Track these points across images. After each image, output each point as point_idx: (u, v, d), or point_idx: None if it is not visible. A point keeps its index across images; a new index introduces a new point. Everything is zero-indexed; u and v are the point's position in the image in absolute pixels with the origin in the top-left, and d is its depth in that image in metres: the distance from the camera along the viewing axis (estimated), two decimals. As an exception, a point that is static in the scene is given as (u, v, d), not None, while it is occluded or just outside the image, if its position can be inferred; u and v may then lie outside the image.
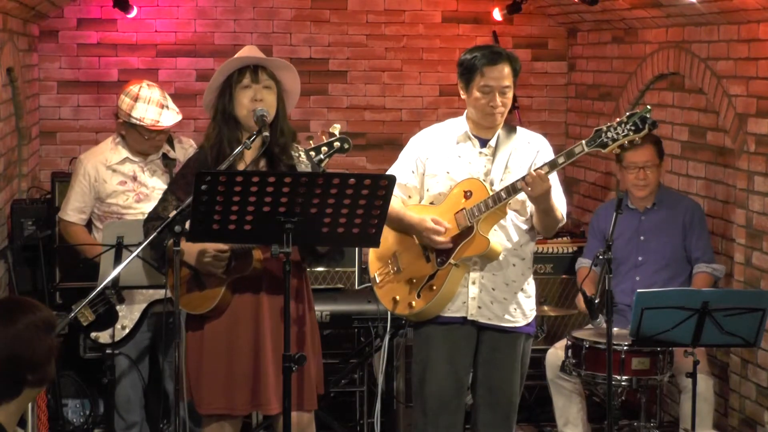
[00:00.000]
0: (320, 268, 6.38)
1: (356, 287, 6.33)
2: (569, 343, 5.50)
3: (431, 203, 4.76)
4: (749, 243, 5.71)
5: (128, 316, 5.68)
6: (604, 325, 4.96)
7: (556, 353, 5.79)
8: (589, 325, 5.70)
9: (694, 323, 4.85)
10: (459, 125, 4.79)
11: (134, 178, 5.76)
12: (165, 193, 4.64)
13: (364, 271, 6.08)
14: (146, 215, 4.70)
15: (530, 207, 4.71)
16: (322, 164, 5.01)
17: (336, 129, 4.75)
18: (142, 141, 5.73)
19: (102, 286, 4.45)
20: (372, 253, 4.92)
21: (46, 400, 5.87)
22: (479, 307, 4.70)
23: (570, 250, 6.64)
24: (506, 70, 4.65)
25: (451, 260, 4.63)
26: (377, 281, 4.87)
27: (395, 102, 7.85)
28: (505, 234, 4.70)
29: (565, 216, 4.74)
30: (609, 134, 4.44)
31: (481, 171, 4.70)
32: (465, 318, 4.71)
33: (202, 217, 4.04)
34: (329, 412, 6.12)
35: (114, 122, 7.47)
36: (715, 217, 6.17)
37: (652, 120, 4.40)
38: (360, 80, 7.81)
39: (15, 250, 6.18)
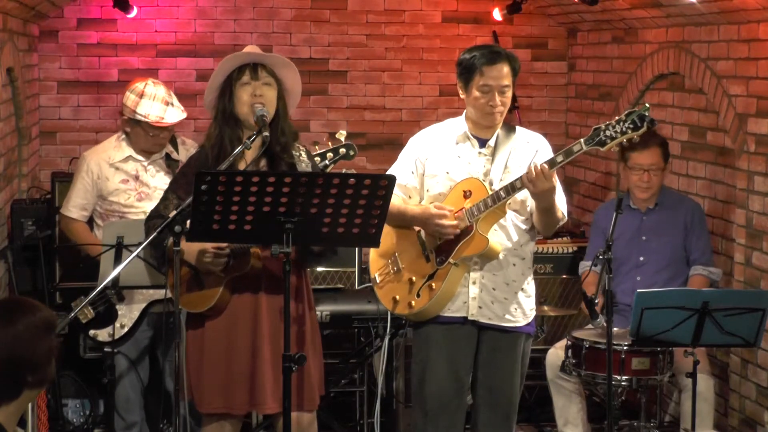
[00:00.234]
0: (320, 268, 6.38)
1: (356, 287, 6.33)
2: (569, 343, 5.50)
3: (431, 203, 4.76)
4: (749, 243, 5.71)
5: (127, 315, 5.68)
6: (605, 325, 4.96)
7: (556, 353, 5.79)
8: (589, 325, 5.70)
9: (694, 323, 4.85)
10: (458, 125, 4.79)
11: (136, 177, 5.76)
12: (166, 192, 4.65)
13: (364, 271, 6.08)
14: (147, 214, 4.70)
15: (530, 206, 4.71)
16: (327, 170, 5.01)
17: (342, 135, 4.76)
18: (146, 138, 5.73)
19: (102, 285, 4.46)
20: (372, 253, 4.92)
21: (46, 400, 5.87)
22: (480, 307, 4.69)
23: (570, 250, 6.64)
24: (505, 69, 4.65)
25: (451, 259, 4.63)
26: (377, 281, 4.87)
27: (395, 102, 7.85)
28: (505, 233, 4.70)
29: (566, 215, 4.74)
30: (607, 132, 4.43)
31: (481, 171, 4.70)
32: (465, 318, 4.71)
33: (202, 217, 4.04)
34: (329, 412, 6.12)
35: (114, 122, 7.53)
36: (715, 217, 6.17)
37: (651, 118, 4.39)
38: (360, 80, 7.81)
39: (15, 250, 6.18)
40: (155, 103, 5.67)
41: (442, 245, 4.67)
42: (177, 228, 4.11)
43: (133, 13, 7.33)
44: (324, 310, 6.01)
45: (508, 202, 4.60)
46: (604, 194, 7.33)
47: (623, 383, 5.29)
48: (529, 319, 4.79)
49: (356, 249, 6.17)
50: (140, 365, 5.86)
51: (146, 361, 5.89)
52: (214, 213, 4.03)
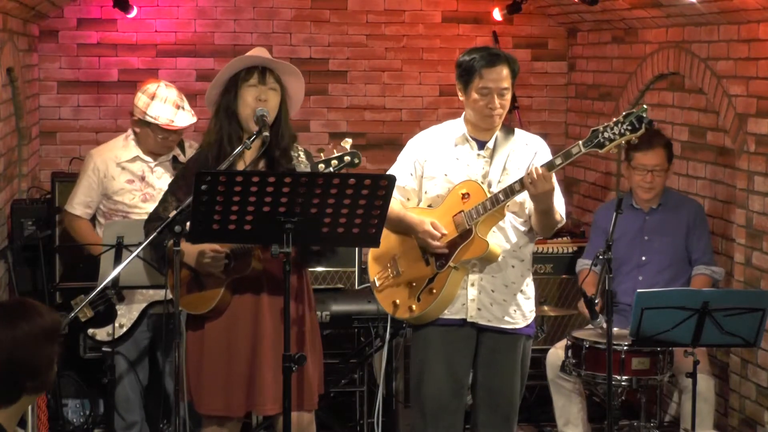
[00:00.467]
0: (320, 268, 6.38)
1: (356, 287, 6.33)
2: (569, 343, 5.50)
3: (429, 206, 4.75)
4: (749, 243, 5.71)
5: (126, 315, 5.69)
6: (604, 325, 4.96)
7: (556, 353, 5.79)
8: (589, 325, 5.70)
9: (694, 323, 4.85)
10: (457, 127, 4.78)
11: (142, 178, 5.76)
12: (165, 194, 4.65)
13: (364, 271, 6.08)
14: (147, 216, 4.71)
15: (528, 208, 4.70)
16: None
17: (347, 143, 4.76)
18: (155, 140, 5.73)
19: (102, 286, 4.46)
20: (371, 257, 4.92)
21: (46, 400, 5.87)
22: (479, 309, 4.69)
23: (570, 250, 6.64)
24: (505, 71, 4.64)
25: (451, 263, 4.63)
26: (377, 285, 4.87)
27: (395, 102, 7.85)
28: (504, 236, 4.69)
29: (564, 217, 4.73)
30: (605, 134, 4.43)
31: (479, 173, 4.69)
32: (464, 320, 4.71)
33: (202, 217, 4.04)
34: (329, 412, 6.12)
35: (114, 122, 7.53)
36: (715, 217, 6.17)
37: (649, 119, 4.39)
38: (360, 80, 7.80)
39: (15, 250, 6.18)
40: (166, 105, 5.67)
41: (441, 249, 4.68)
42: (177, 228, 4.11)
43: (133, 13, 7.33)
44: (324, 310, 6.01)
45: (507, 204, 4.59)
46: (604, 194, 7.33)
47: (623, 383, 5.29)
48: (529, 321, 4.79)
49: (356, 249, 6.17)
50: (140, 365, 5.86)
51: (146, 362, 5.89)
52: (214, 213, 4.03)
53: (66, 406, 6.34)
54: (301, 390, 4.47)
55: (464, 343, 4.73)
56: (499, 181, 4.65)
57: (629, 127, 4.39)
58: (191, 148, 5.93)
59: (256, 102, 4.46)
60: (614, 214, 5.01)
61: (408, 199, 4.80)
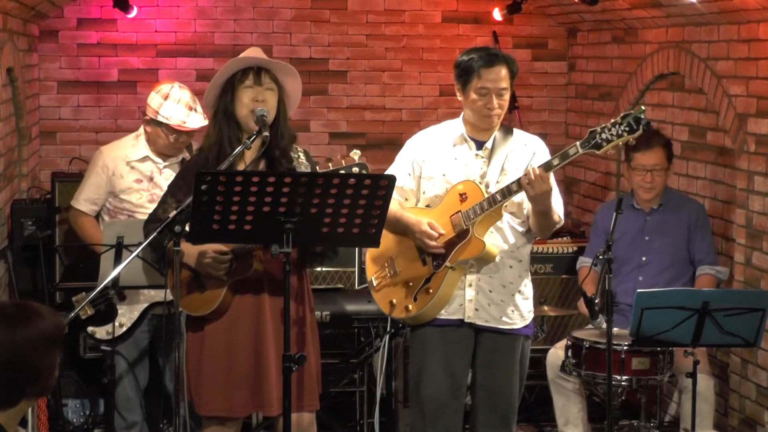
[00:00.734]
0: (320, 268, 6.38)
1: (356, 287, 6.33)
2: (569, 343, 5.50)
3: (427, 206, 4.75)
4: (749, 243, 5.71)
5: (127, 314, 5.69)
6: (604, 325, 4.96)
7: (556, 353, 5.78)
8: (589, 325, 5.70)
9: (694, 323, 4.85)
10: (455, 127, 4.78)
11: (150, 179, 5.76)
12: (164, 195, 4.64)
13: (364, 271, 6.05)
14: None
15: (527, 209, 4.70)
16: None
17: (356, 155, 4.76)
18: (166, 141, 5.73)
19: (102, 286, 4.46)
20: (369, 257, 4.92)
21: (46, 400, 5.87)
22: (476, 310, 4.69)
23: (570, 250, 6.64)
24: (503, 71, 4.64)
25: (447, 263, 4.62)
26: (374, 284, 4.87)
27: (395, 102, 7.85)
28: (502, 236, 4.69)
29: (562, 218, 4.73)
30: (603, 135, 4.42)
31: (477, 173, 4.69)
32: (462, 320, 4.70)
33: (202, 217, 4.04)
34: (329, 412, 6.12)
35: (114, 122, 7.53)
36: (716, 217, 6.17)
37: (647, 120, 4.38)
38: (360, 80, 7.80)
39: (15, 250, 6.18)
40: (179, 106, 5.66)
41: (438, 249, 4.68)
42: (177, 228, 4.11)
43: (133, 13, 7.33)
44: (324, 310, 6.01)
45: (505, 204, 4.59)
46: (604, 194, 7.33)
47: (623, 383, 5.29)
48: (527, 321, 4.79)
49: (356, 249, 6.17)
50: (140, 365, 5.86)
51: (146, 362, 5.89)
52: (214, 213, 4.03)
53: (66, 406, 6.34)
54: (302, 390, 4.47)
55: (462, 343, 4.73)
56: (497, 182, 4.64)
57: (627, 128, 4.38)
58: None
59: (253, 103, 4.46)
60: (614, 214, 5.00)
61: (406, 199, 4.79)
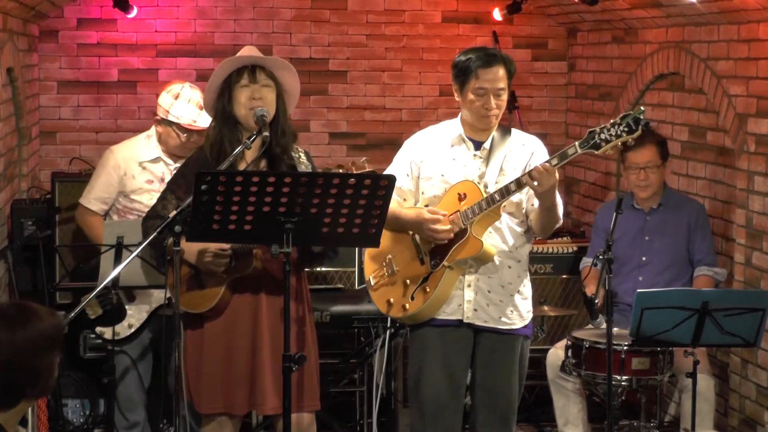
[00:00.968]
0: (320, 268, 6.38)
1: (356, 287, 6.33)
2: (569, 343, 5.50)
3: (426, 206, 4.75)
4: (749, 243, 5.71)
5: (136, 315, 5.68)
6: (604, 325, 4.96)
7: (556, 353, 5.78)
8: (589, 325, 5.70)
9: (694, 323, 4.85)
10: (453, 128, 4.78)
11: (162, 180, 5.74)
12: (164, 192, 4.64)
13: (363, 271, 6.08)
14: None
15: (525, 208, 4.70)
16: None
17: (366, 163, 4.75)
18: (177, 141, 5.71)
19: (102, 286, 4.45)
20: (367, 256, 4.92)
21: (46, 400, 5.87)
22: (475, 310, 4.69)
23: (570, 250, 6.64)
24: (501, 72, 4.63)
25: (445, 262, 4.62)
26: (372, 284, 4.87)
27: (395, 102, 7.85)
28: (500, 236, 4.69)
29: (561, 217, 4.73)
30: (602, 136, 4.42)
31: (476, 173, 4.69)
32: (461, 321, 4.70)
33: (202, 217, 4.04)
34: (329, 412, 6.12)
35: (114, 122, 7.53)
36: (715, 217, 6.17)
37: (646, 120, 4.38)
38: (360, 80, 7.81)
39: (15, 250, 6.18)
40: (189, 105, 5.66)
41: (436, 248, 4.66)
42: (177, 228, 4.11)
43: (133, 13, 7.32)
44: (324, 310, 6.01)
45: (503, 204, 4.59)
46: (604, 194, 7.33)
47: (623, 383, 5.29)
48: (526, 321, 4.79)
49: (356, 249, 6.17)
50: (144, 366, 5.85)
51: (150, 362, 5.88)
52: (214, 213, 4.03)
53: (66, 406, 6.34)
54: (302, 390, 4.47)
55: (461, 343, 4.73)
56: (495, 182, 4.64)
57: (626, 129, 4.38)
58: None
59: (250, 101, 4.46)
60: (614, 214, 5.01)
61: (405, 200, 4.79)
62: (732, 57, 5.79)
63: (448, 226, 4.60)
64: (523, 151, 4.74)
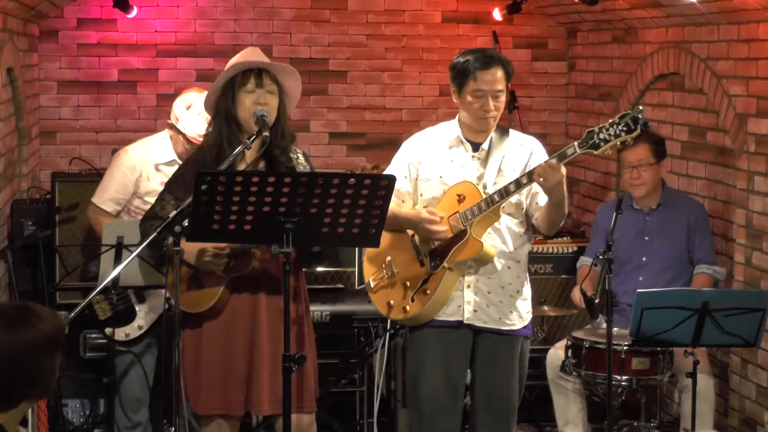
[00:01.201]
0: (320, 268, 6.38)
1: (356, 287, 6.33)
2: (569, 343, 5.50)
3: (425, 207, 4.74)
4: (749, 243, 5.71)
5: (145, 317, 5.68)
6: (604, 325, 4.96)
7: (556, 353, 5.78)
8: (589, 325, 5.69)
9: (694, 323, 4.85)
10: (451, 129, 4.77)
11: None
12: (162, 192, 4.64)
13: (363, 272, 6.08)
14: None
15: (525, 208, 4.70)
16: None
17: (376, 169, 4.76)
18: (183, 148, 5.70)
19: (102, 285, 4.45)
20: (366, 258, 4.91)
21: (46, 400, 5.86)
22: (475, 311, 4.69)
23: (570, 250, 6.64)
24: (499, 73, 4.62)
25: (445, 264, 4.62)
26: (371, 286, 4.86)
27: (395, 102, 7.85)
28: (500, 237, 4.68)
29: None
30: (601, 135, 4.41)
31: (474, 175, 4.68)
32: (460, 322, 4.70)
33: (202, 217, 4.04)
34: (329, 412, 6.12)
35: (114, 122, 7.53)
36: (715, 217, 6.17)
37: (645, 120, 4.37)
38: (360, 80, 7.81)
39: (15, 250, 6.18)
40: (199, 119, 5.61)
41: (436, 249, 4.66)
42: (177, 228, 4.11)
43: (133, 13, 7.33)
44: (324, 310, 6.01)
45: (502, 205, 4.58)
46: (604, 194, 7.33)
47: (623, 383, 5.29)
48: (526, 322, 4.79)
49: (356, 249, 6.16)
50: (148, 366, 5.85)
51: (154, 362, 5.88)
52: (214, 213, 4.03)
53: (66, 406, 6.34)
54: (301, 391, 4.47)
55: (460, 344, 4.72)
56: (494, 183, 4.64)
57: (624, 128, 4.38)
58: None
59: (254, 106, 4.46)
60: (614, 214, 5.01)
61: (403, 201, 4.79)
62: (732, 57, 5.79)
63: (445, 227, 4.60)
64: (522, 152, 4.73)
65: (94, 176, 6.36)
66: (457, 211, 4.60)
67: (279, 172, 4.38)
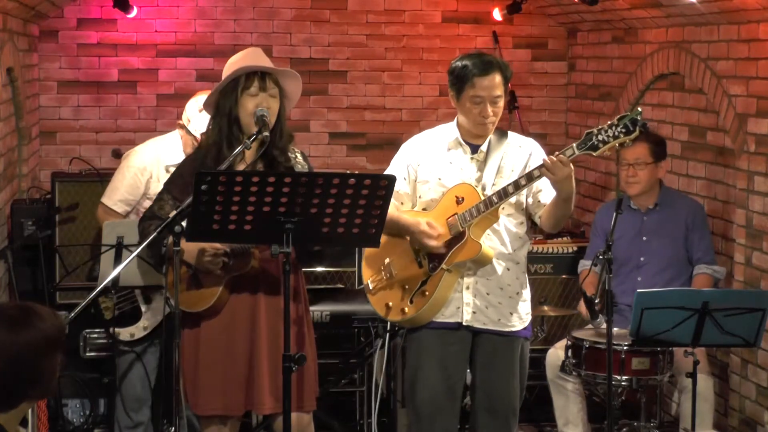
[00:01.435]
0: (320, 268, 6.38)
1: (356, 287, 6.33)
2: (569, 343, 5.50)
3: (424, 209, 4.75)
4: (749, 243, 5.71)
5: (151, 318, 5.68)
6: (604, 325, 4.96)
7: (556, 353, 5.79)
8: (589, 325, 5.70)
9: (694, 323, 4.85)
10: (450, 131, 4.77)
11: None
12: (161, 192, 4.64)
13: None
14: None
15: (526, 206, 4.70)
16: None
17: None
18: (191, 150, 5.70)
19: (102, 286, 4.45)
20: (364, 260, 4.91)
21: (47, 400, 5.87)
22: (474, 312, 4.68)
23: (570, 250, 6.64)
24: (497, 78, 4.61)
25: (444, 265, 4.62)
26: (370, 288, 4.86)
27: (395, 102, 7.85)
28: (499, 238, 4.68)
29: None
30: (600, 137, 4.41)
31: (473, 177, 4.68)
32: (459, 323, 4.69)
33: (202, 217, 4.04)
34: (329, 412, 6.12)
35: (114, 122, 7.53)
36: (715, 217, 6.17)
37: (643, 121, 4.37)
38: (360, 80, 7.81)
39: (15, 250, 6.18)
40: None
41: (434, 251, 4.68)
42: (177, 228, 4.11)
43: (133, 13, 7.33)
44: (324, 310, 6.01)
45: (501, 207, 4.58)
46: (604, 194, 7.33)
47: (623, 383, 5.29)
48: (525, 323, 4.78)
49: (356, 249, 6.16)
50: (151, 366, 5.85)
51: (157, 362, 5.88)
52: (214, 213, 4.03)
53: (66, 406, 6.34)
54: (301, 391, 4.47)
55: (459, 345, 4.72)
56: (493, 184, 4.64)
57: (623, 130, 4.38)
58: None
59: (257, 108, 4.46)
60: (614, 214, 5.01)
61: (402, 203, 4.78)
62: (732, 57, 5.79)
63: (440, 244, 4.60)
64: (521, 153, 4.73)
65: (94, 176, 6.36)
66: (456, 213, 4.60)
67: (279, 172, 4.38)
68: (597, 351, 5.32)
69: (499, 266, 4.68)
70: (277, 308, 4.38)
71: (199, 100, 5.69)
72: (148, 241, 4.24)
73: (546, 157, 4.45)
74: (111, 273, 4.73)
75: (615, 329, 5.06)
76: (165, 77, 7.53)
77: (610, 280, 4.85)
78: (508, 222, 4.69)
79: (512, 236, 4.70)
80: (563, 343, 5.64)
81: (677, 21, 6.27)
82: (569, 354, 5.47)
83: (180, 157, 5.71)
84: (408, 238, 4.72)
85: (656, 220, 6.01)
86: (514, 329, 4.73)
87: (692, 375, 4.97)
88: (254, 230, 4.08)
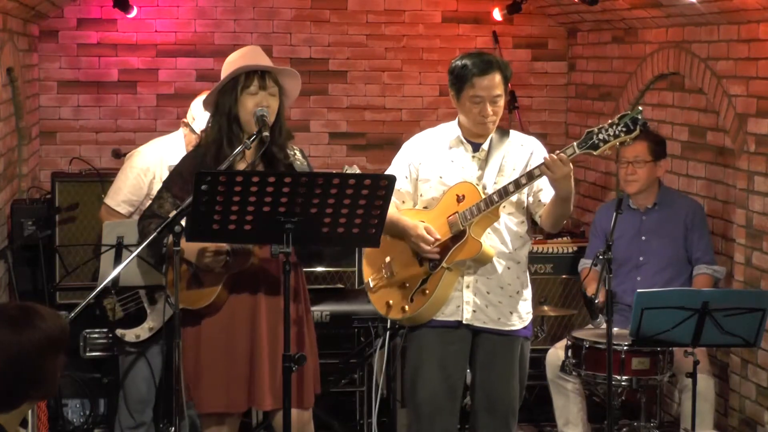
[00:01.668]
0: (320, 268, 6.38)
1: (356, 287, 6.33)
2: (569, 343, 5.50)
3: (425, 208, 4.75)
4: (749, 243, 5.71)
5: (157, 319, 5.67)
6: (604, 325, 4.96)
7: (556, 353, 5.79)
8: (589, 325, 5.69)
9: (694, 323, 4.85)
10: (451, 130, 4.77)
11: None
12: (160, 191, 4.63)
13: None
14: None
15: (526, 205, 4.70)
16: None
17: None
18: None
19: (102, 286, 4.45)
20: (365, 259, 4.91)
21: (46, 400, 5.87)
22: (474, 311, 4.68)
23: (570, 250, 6.64)
24: (497, 78, 4.62)
25: (444, 264, 4.62)
26: (371, 286, 4.86)
27: (395, 102, 7.85)
28: (499, 237, 4.68)
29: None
30: (600, 136, 4.42)
31: (474, 175, 4.68)
32: (459, 322, 4.70)
33: (202, 217, 4.04)
34: (329, 412, 6.12)
35: (114, 122, 7.53)
36: (715, 217, 6.17)
37: (644, 120, 4.38)
38: (360, 80, 7.81)
39: (15, 250, 6.18)
40: None
41: (435, 250, 4.68)
42: (177, 228, 4.11)
43: (133, 13, 7.33)
44: (324, 310, 6.01)
45: (502, 205, 4.58)
46: (604, 194, 7.33)
47: (623, 383, 5.29)
48: (526, 323, 4.78)
49: (356, 249, 6.16)
50: (155, 366, 5.84)
51: (160, 362, 5.88)
52: (214, 213, 4.03)
53: (66, 406, 6.34)
54: (300, 388, 4.48)
55: (459, 344, 4.72)
56: (494, 183, 4.64)
57: (624, 129, 4.38)
58: None
59: (256, 107, 4.46)
60: (614, 213, 5.01)
61: (403, 202, 4.79)
62: (732, 57, 5.79)
63: (435, 250, 4.60)
64: (522, 152, 4.73)
65: (94, 176, 6.36)
66: (457, 211, 4.60)
67: (279, 172, 4.38)
68: (597, 351, 5.32)
69: (500, 265, 4.68)
70: (277, 308, 4.38)
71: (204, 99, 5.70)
72: (147, 241, 4.24)
73: (546, 155, 4.46)
74: (111, 273, 4.73)
75: (615, 329, 5.06)
76: (165, 77, 7.53)
77: (610, 279, 4.85)
78: (509, 221, 4.69)
79: (513, 235, 4.71)
80: (563, 343, 5.64)
81: (677, 21, 6.27)
82: (569, 354, 5.47)
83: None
84: None
85: (655, 219, 6.01)
86: (513, 328, 4.73)
87: (692, 375, 4.97)
88: (254, 230, 4.08)
